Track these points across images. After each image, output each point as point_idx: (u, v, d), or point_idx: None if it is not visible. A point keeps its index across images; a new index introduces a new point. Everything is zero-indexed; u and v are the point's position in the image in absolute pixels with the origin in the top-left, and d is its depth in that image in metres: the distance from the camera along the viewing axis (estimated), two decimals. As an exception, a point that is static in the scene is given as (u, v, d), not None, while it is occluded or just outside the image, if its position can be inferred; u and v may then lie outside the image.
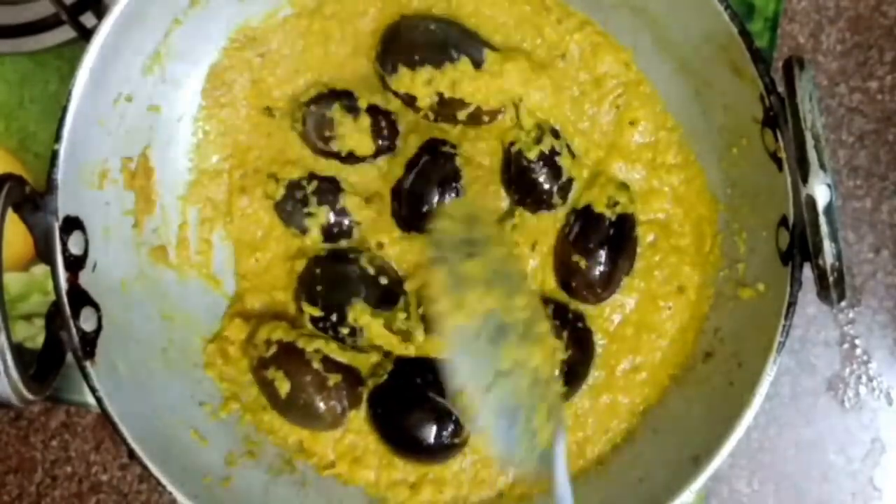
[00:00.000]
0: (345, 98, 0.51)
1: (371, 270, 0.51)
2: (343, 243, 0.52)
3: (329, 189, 0.52)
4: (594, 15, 0.51)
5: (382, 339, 0.50)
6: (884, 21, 0.58)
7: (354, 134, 0.50)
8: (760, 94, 0.43)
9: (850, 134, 0.57)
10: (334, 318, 0.50)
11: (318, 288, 0.50)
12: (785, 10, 0.58)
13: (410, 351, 0.50)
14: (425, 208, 0.50)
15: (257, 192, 0.53)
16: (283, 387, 0.49)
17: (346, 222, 0.52)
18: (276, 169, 0.52)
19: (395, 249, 0.52)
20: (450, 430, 0.49)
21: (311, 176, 0.52)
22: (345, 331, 0.50)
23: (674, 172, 0.51)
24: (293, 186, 0.51)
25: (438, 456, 0.50)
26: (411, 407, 0.49)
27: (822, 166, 0.39)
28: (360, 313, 0.50)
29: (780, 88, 0.42)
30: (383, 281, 0.51)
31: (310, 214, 0.51)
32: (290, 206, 0.52)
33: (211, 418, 0.50)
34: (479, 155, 0.51)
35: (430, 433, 0.49)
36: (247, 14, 0.52)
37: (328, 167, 0.52)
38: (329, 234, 0.52)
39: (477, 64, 0.49)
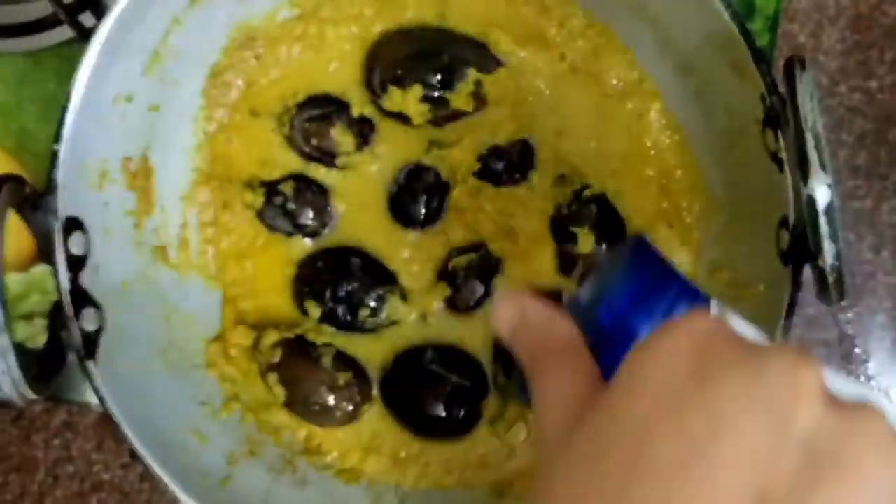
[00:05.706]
0: (334, 105, 0.51)
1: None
2: (326, 241, 0.52)
3: (308, 189, 0.52)
4: (596, 15, 0.51)
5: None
6: (884, 20, 0.58)
7: (359, 154, 0.51)
8: (761, 95, 0.43)
9: (850, 134, 0.58)
10: (349, 303, 0.51)
11: (328, 278, 0.51)
12: (785, 9, 0.58)
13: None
14: (414, 211, 0.51)
15: (237, 204, 0.53)
16: (295, 391, 0.49)
17: (331, 221, 0.52)
18: (254, 170, 0.52)
19: (384, 243, 0.52)
20: (464, 404, 0.50)
21: (289, 177, 0.52)
22: (365, 312, 0.50)
23: (674, 173, 0.51)
24: (271, 192, 0.51)
25: (458, 430, 0.51)
26: (423, 387, 0.50)
27: (823, 166, 0.39)
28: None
29: (781, 88, 0.42)
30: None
31: (294, 219, 0.52)
32: (273, 213, 0.52)
33: (212, 418, 0.50)
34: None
35: (447, 410, 0.50)
36: (247, 13, 0.51)
37: (310, 168, 0.52)
38: (315, 234, 0.52)
39: (484, 69, 0.50)
